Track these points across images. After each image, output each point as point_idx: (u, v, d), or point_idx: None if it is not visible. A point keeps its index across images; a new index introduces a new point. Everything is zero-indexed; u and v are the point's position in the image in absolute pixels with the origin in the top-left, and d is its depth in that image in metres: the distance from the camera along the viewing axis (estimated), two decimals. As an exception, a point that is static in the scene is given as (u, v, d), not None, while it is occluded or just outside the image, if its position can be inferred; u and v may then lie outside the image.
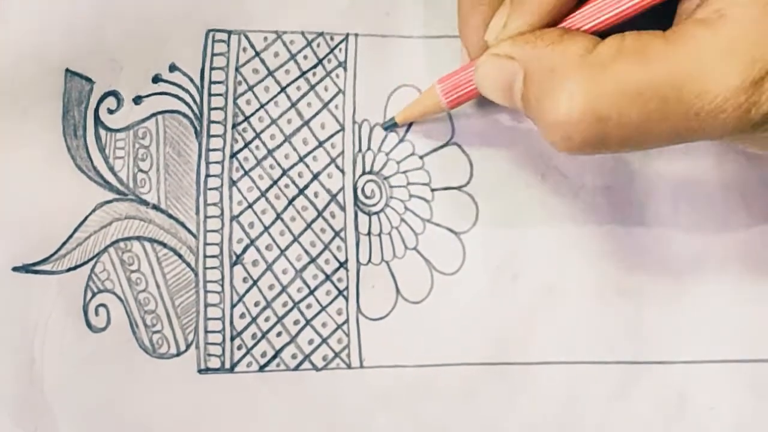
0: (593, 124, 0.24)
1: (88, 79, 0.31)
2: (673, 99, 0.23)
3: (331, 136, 0.33)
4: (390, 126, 0.32)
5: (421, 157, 0.33)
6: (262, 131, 0.32)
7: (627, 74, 0.23)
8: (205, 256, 0.31)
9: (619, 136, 0.24)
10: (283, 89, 0.33)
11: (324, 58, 0.33)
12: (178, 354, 0.30)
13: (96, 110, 0.32)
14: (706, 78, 0.23)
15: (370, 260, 0.32)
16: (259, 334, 0.31)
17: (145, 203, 0.31)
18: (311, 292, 0.32)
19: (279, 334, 0.31)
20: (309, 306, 0.31)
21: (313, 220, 0.32)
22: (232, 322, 0.31)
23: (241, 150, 0.32)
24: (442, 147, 0.33)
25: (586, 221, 0.32)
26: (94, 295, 0.30)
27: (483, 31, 0.28)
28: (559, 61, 0.25)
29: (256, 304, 0.31)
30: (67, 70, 0.31)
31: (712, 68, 0.23)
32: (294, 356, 0.31)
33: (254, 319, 0.31)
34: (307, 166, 0.32)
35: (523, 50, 0.26)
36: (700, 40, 0.23)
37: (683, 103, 0.23)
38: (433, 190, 0.33)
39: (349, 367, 0.31)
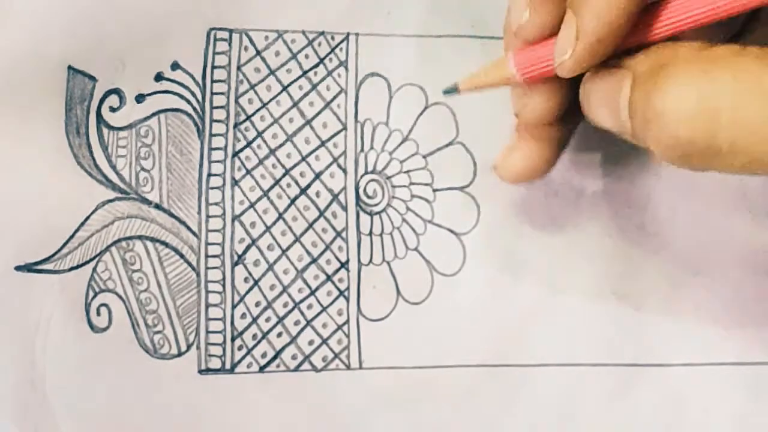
0: (704, 117, 0.21)
1: (91, 77, 0.31)
2: None
3: (334, 135, 0.32)
4: (450, 91, 0.28)
5: (424, 157, 0.32)
6: (264, 130, 0.32)
7: (749, 66, 0.21)
8: (207, 256, 0.31)
9: (731, 139, 0.21)
10: (284, 88, 0.32)
11: (325, 57, 0.32)
12: (179, 354, 0.30)
13: (98, 108, 0.31)
14: None
15: (371, 261, 0.31)
16: (260, 335, 0.31)
17: (148, 202, 0.31)
18: (312, 293, 0.31)
19: (279, 334, 0.31)
20: (310, 306, 0.31)
21: (315, 220, 0.31)
22: (233, 323, 0.31)
23: (243, 149, 0.32)
24: (446, 146, 0.32)
25: (587, 224, 0.32)
26: (95, 294, 0.30)
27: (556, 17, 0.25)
28: (671, 56, 0.22)
29: (257, 304, 0.31)
30: (69, 67, 0.31)
31: None
32: (294, 357, 0.31)
33: (255, 320, 0.31)
34: (309, 166, 0.32)
35: (633, 57, 0.23)
36: None
37: None
38: (435, 190, 0.32)
39: (348, 368, 0.31)
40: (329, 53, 0.32)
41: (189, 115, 0.31)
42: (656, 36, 0.24)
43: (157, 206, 0.31)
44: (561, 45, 0.24)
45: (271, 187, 0.31)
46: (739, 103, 0.21)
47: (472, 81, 0.28)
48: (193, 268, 0.31)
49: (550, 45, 0.25)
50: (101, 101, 0.31)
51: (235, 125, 0.32)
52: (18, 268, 0.29)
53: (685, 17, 0.23)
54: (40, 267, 0.30)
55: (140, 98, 0.31)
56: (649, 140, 0.22)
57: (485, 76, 0.27)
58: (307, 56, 0.32)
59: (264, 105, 0.32)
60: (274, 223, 0.31)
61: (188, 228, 0.31)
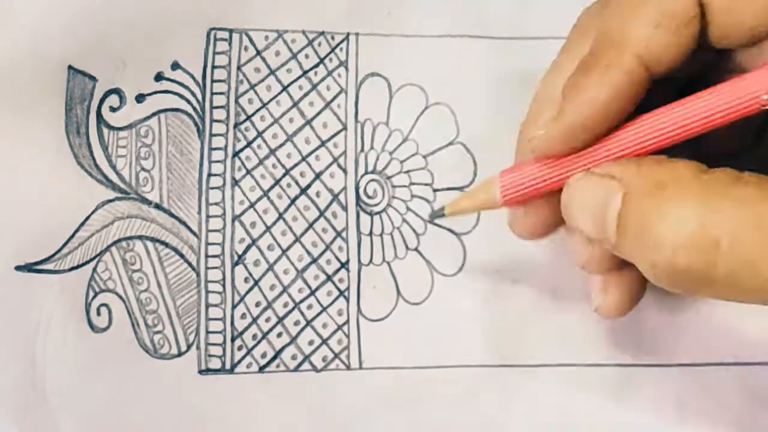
0: (702, 248, 0.20)
1: (91, 77, 0.31)
2: None
3: (334, 135, 0.32)
4: (437, 216, 0.28)
5: (424, 157, 0.32)
6: (264, 130, 0.32)
7: (750, 198, 0.20)
8: (207, 256, 0.31)
9: (728, 270, 0.20)
10: (284, 88, 0.32)
11: (325, 57, 0.32)
12: (179, 354, 0.30)
13: (98, 108, 0.31)
14: None
15: (371, 261, 0.31)
16: (260, 335, 0.30)
17: (148, 202, 0.31)
18: (312, 293, 0.31)
19: (279, 334, 0.30)
20: (310, 306, 0.31)
21: (315, 220, 0.31)
22: (233, 323, 0.30)
23: (243, 149, 0.31)
24: (446, 146, 0.32)
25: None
26: (96, 294, 0.30)
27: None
28: (670, 178, 0.21)
29: (257, 304, 0.31)
30: (69, 67, 0.30)
31: None
32: (294, 357, 0.30)
33: (255, 320, 0.30)
34: (309, 166, 0.32)
35: (624, 169, 0.22)
36: None
37: None
38: (435, 190, 0.32)
39: (348, 368, 0.30)
40: (329, 53, 0.32)
41: (189, 115, 0.31)
42: (646, 146, 0.23)
43: (157, 206, 0.31)
44: (541, 122, 0.24)
45: (272, 187, 0.31)
46: (739, 234, 0.20)
47: (459, 206, 0.28)
48: (193, 268, 0.30)
49: (532, 170, 0.25)
50: (101, 101, 0.31)
51: (236, 125, 0.31)
52: (18, 268, 0.29)
53: (677, 128, 0.23)
54: (40, 267, 0.29)
55: (140, 98, 0.31)
56: (640, 260, 0.22)
57: (470, 200, 0.27)
58: (307, 56, 0.32)
59: (264, 105, 0.32)
60: (275, 223, 0.31)
61: (188, 228, 0.31)
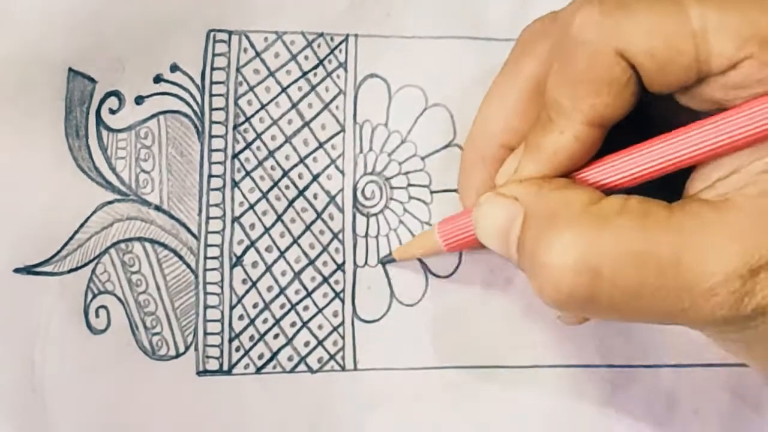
0: (585, 277, 0.21)
1: (91, 79, 0.30)
2: (670, 270, 0.21)
3: (332, 137, 0.31)
4: (387, 261, 0.30)
5: (422, 158, 0.31)
6: (263, 132, 0.31)
7: (628, 233, 0.21)
8: (206, 258, 0.30)
9: (609, 298, 0.22)
10: (283, 90, 0.31)
11: (324, 58, 0.31)
12: (178, 356, 0.29)
13: (98, 110, 0.30)
14: (706, 256, 0.21)
15: (366, 262, 0.31)
16: (257, 336, 0.30)
17: (147, 204, 0.30)
18: (308, 294, 0.30)
19: (276, 336, 0.30)
20: (306, 308, 0.30)
21: (313, 222, 0.31)
22: (230, 324, 0.30)
23: (242, 151, 0.31)
24: (443, 148, 0.31)
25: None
26: (95, 296, 0.29)
27: (482, 188, 0.27)
28: (562, 207, 0.23)
29: (255, 305, 0.30)
30: (69, 69, 0.30)
31: (712, 247, 0.21)
32: (290, 358, 0.30)
33: (252, 321, 0.30)
34: (307, 167, 0.31)
35: (527, 192, 0.24)
36: (704, 219, 0.21)
37: (679, 276, 0.21)
38: (432, 192, 0.31)
39: (343, 369, 0.30)
40: (328, 54, 0.31)
41: (188, 116, 0.31)
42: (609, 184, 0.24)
43: (158, 208, 0.30)
44: (503, 171, 0.26)
45: (270, 189, 0.31)
46: (618, 265, 0.21)
47: (405, 251, 0.30)
48: (192, 270, 0.30)
49: (469, 220, 0.27)
50: (101, 103, 0.30)
51: (235, 127, 0.31)
52: (17, 270, 0.29)
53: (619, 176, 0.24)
54: (39, 269, 0.29)
55: (140, 100, 0.30)
56: (531, 282, 0.23)
57: (415, 247, 0.30)
58: (306, 57, 0.31)
59: (263, 106, 0.31)
60: (273, 224, 0.31)
61: (188, 229, 0.30)
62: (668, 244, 0.21)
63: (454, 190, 0.31)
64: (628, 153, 0.24)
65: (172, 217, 0.30)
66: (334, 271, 0.31)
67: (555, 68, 0.24)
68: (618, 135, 0.24)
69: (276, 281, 0.30)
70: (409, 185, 0.31)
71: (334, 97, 0.31)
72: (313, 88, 0.31)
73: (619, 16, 0.22)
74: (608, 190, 0.24)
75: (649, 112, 0.24)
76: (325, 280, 0.31)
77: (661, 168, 0.23)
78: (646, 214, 0.22)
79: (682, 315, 0.21)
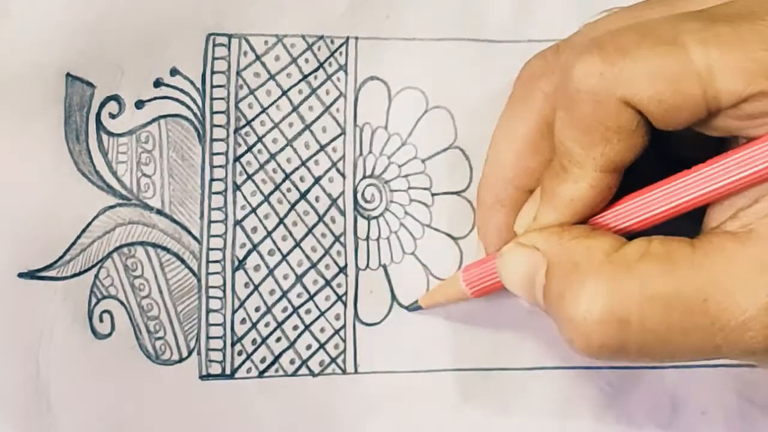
0: (613, 327, 0.21)
1: (90, 84, 0.30)
2: (698, 310, 0.21)
3: (333, 139, 0.31)
4: (414, 309, 0.30)
5: (423, 161, 0.31)
6: (264, 135, 0.31)
7: (652, 277, 0.21)
8: (208, 262, 0.30)
9: (640, 344, 0.21)
10: (284, 93, 0.31)
11: (325, 61, 0.31)
12: (181, 360, 0.29)
13: (98, 115, 0.30)
14: (734, 292, 0.20)
15: (368, 265, 0.31)
16: (259, 340, 0.30)
17: (149, 208, 0.30)
18: (311, 298, 0.30)
19: (278, 339, 0.30)
20: (308, 311, 0.30)
21: (314, 225, 0.31)
22: (233, 328, 0.30)
23: (244, 154, 0.31)
24: (444, 150, 0.31)
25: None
26: (98, 301, 0.29)
27: (503, 231, 0.27)
28: (584, 257, 0.22)
29: (257, 309, 0.30)
30: (68, 74, 0.29)
31: (740, 282, 0.20)
32: (292, 362, 0.30)
33: (254, 325, 0.30)
34: (309, 170, 0.31)
35: (548, 242, 0.24)
36: (728, 253, 0.21)
37: (708, 315, 0.21)
38: (433, 194, 0.31)
39: (344, 372, 0.30)
40: (329, 57, 0.31)
41: (189, 120, 0.30)
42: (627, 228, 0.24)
43: (159, 212, 0.30)
44: (522, 217, 0.26)
45: (272, 192, 0.31)
46: (645, 312, 0.21)
47: (431, 299, 0.30)
48: (194, 274, 0.30)
49: (493, 262, 0.26)
50: (100, 108, 0.30)
51: (236, 130, 0.31)
52: (21, 275, 0.29)
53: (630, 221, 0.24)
54: (42, 274, 0.29)
55: (140, 104, 0.30)
56: (561, 333, 0.23)
57: (441, 294, 0.29)
58: (306, 60, 0.31)
59: (264, 110, 0.31)
60: (275, 228, 0.30)
61: (190, 233, 0.30)
62: (694, 283, 0.21)
63: (455, 193, 0.31)
64: (648, 193, 0.23)
65: (174, 221, 0.30)
66: (336, 274, 0.30)
67: (560, 116, 0.23)
68: (634, 170, 0.24)
69: (278, 284, 0.30)
70: (410, 188, 0.31)
71: (335, 100, 0.31)
72: (313, 90, 0.31)
73: (620, 63, 0.21)
74: (630, 232, 0.24)
75: (666, 138, 0.23)
76: (327, 283, 0.30)
77: (681, 207, 0.23)
78: (669, 255, 0.21)
79: (716, 351, 0.21)
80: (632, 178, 0.24)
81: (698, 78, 0.21)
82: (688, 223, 0.23)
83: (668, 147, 0.24)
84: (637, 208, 0.24)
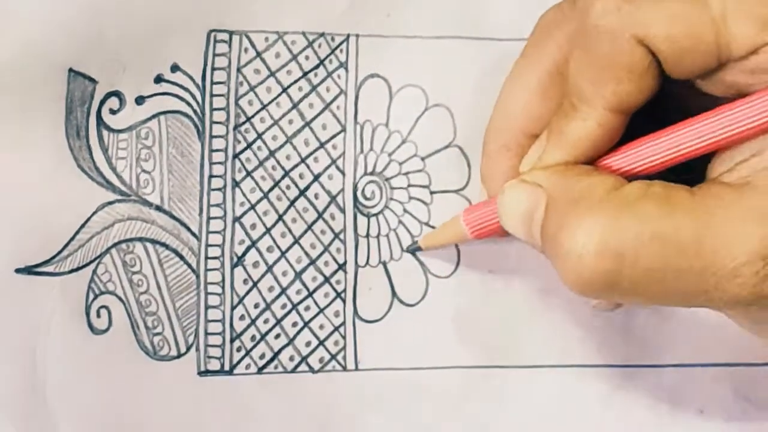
0: (607, 260, 0.21)
1: (91, 79, 0.30)
2: (693, 252, 0.21)
3: (333, 137, 0.31)
4: (414, 250, 0.30)
5: (422, 159, 0.31)
6: (264, 132, 0.31)
7: (650, 217, 0.21)
8: (207, 258, 0.30)
9: (632, 281, 0.22)
10: (284, 90, 0.31)
11: (325, 58, 0.31)
12: (179, 356, 0.29)
13: (98, 111, 0.30)
14: (728, 237, 0.21)
15: (367, 262, 0.31)
16: (258, 336, 0.30)
17: (148, 204, 0.30)
18: (310, 294, 0.30)
19: (277, 336, 0.30)
20: (307, 308, 0.30)
21: (314, 222, 0.31)
22: (231, 324, 0.30)
23: (243, 151, 0.30)
24: (443, 149, 0.31)
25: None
26: (96, 296, 0.29)
27: (507, 175, 0.27)
28: (584, 193, 0.23)
29: (256, 305, 0.30)
30: (69, 70, 0.29)
31: (734, 229, 0.21)
32: (291, 358, 0.30)
33: (254, 321, 0.30)
34: (308, 167, 0.31)
35: (550, 179, 0.24)
36: (725, 202, 0.21)
37: (701, 258, 0.21)
38: (432, 192, 0.31)
39: (344, 369, 0.30)
40: (329, 54, 0.31)
41: (189, 116, 0.30)
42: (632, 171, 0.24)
43: (158, 208, 0.30)
44: (527, 158, 0.26)
45: (271, 189, 0.30)
46: (640, 249, 0.21)
47: (432, 239, 0.30)
48: (193, 270, 0.30)
49: (495, 203, 0.26)
50: (101, 103, 0.30)
51: (235, 127, 0.30)
52: (18, 271, 0.29)
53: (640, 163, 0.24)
54: (40, 269, 0.29)
55: (140, 100, 0.30)
56: (555, 267, 0.23)
57: (442, 235, 0.30)
58: (307, 57, 0.31)
59: (264, 106, 0.31)
60: (274, 224, 0.30)
61: (189, 230, 0.30)
62: (690, 226, 0.21)
63: (454, 191, 0.31)
64: (651, 139, 0.24)
65: (173, 217, 0.30)
66: (336, 271, 0.30)
67: (576, 55, 0.23)
68: (639, 122, 0.24)
69: (277, 281, 0.30)
70: (409, 185, 0.31)
71: (335, 97, 0.31)
72: (314, 88, 0.31)
73: (638, 3, 0.22)
74: (631, 177, 0.24)
75: (669, 99, 0.24)
76: (327, 280, 0.30)
77: (683, 154, 0.23)
78: (668, 198, 0.22)
79: (704, 296, 0.21)
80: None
81: (712, 23, 0.21)
82: (688, 178, 0.23)
83: (671, 121, 0.24)
84: (640, 153, 0.24)
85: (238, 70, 0.30)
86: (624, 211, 0.22)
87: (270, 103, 0.31)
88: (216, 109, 0.30)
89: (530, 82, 0.27)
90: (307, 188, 0.31)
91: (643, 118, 0.24)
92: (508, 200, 0.25)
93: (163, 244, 0.30)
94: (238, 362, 0.30)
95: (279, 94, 0.31)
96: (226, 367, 0.29)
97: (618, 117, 0.23)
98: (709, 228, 0.21)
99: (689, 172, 0.24)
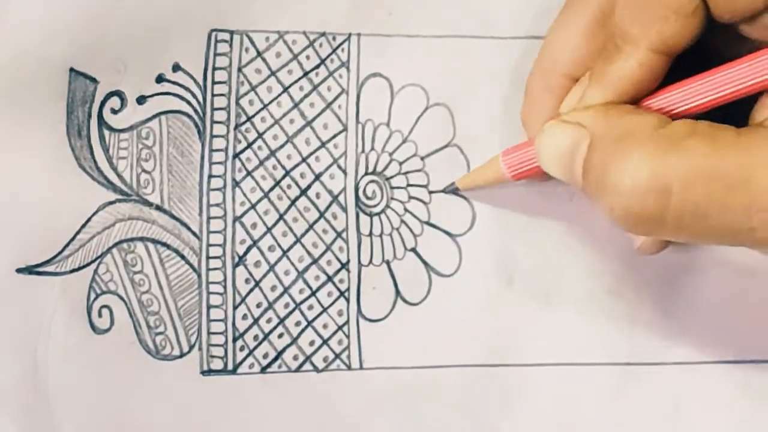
0: (656, 194, 0.22)
1: (93, 79, 0.29)
2: (740, 189, 0.21)
3: (334, 136, 0.31)
4: (451, 191, 0.30)
5: (422, 158, 0.31)
6: (265, 131, 0.30)
7: (698, 153, 0.22)
8: (208, 257, 0.30)
9: (678, 216, 0.22)
10: (285, 89, 0.31)
11: (326, 58, 0.31)
12: (181, 355, 0.29)
13: (100, 110, 0.30)
14: None
15: (371, 261, 0.30)
16: (261, 336, 0.30)
17: (149, 204, 0.30)
18: (313, 293, 0.30)
19: (281, 335, 0.30)
20: (310, 307, 0.30)
21: (315, 221, 0.30)
22: (234, 324, 0.29)
23: (243, 150, 0.30)
24: (442, 148, 0.31)
25: (581, 224, 0.30)
26: (97, 296, 0.29)
27: (548, 116, 0.27)
28: (630, 130, 0.23)
29: (258, 305, 0.30)
30: (71, 69, 0.29)
31: None
32: (295, 357, 0.30)
33: (256, 321, 0.30)
34: (310, 167, 0.31)
35: (593, 117, 0.24)
36: None
37: (749, 194, 0.21)
38: (431, 192, 0.31)
39: (349, 368, 0.30)
40: (330, 54, 0.31)
41: (190, 116, 0.30)
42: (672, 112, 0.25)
43: (158, 208, 0.30)
44: (568, 100, 0.26)
45: (272, 188, 0.30)
46: (687, 183, 0.22)
47: (469, 180, 0.30)
48: (195, 270, 0.29)
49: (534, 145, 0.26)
50: (102, 103, 0.30)
51: (236, 126, 0.30)
52: (19, 270, 0.28)
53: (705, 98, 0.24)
54: (41, 269, 0.29)
55: (141, 100, 0.30)
56: (600, 204, 0.23)
57: (480, 176, 0.30)
58: (308, 57, 0.31)
59: (265, 106, 0.31)
60: (275, 224, 0.30)
61: (189, 229, 0.30)
62: (738, 164, 0.21)
63: (453, 192, 0.31)
64: (695, 81, 0.24)
65: (173, 217, 0.30)
66: (339, 270, 0.30)
67: None
68: (681, 69, 0.24)
69: (279, 280, 0.30)
70: (409, 185, 0.31)
71: (337, 97, 0.31)
72: (315, 87, 0.31)
73: None
74: (674, 118, 0.24)
75: (712, 46, 0.24)
76: (330, 279, 0.30)
77: (728, 95, 0.23)
78: (715, 136, 0.22)
79: (749, 234, 0.22)
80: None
81: None
82: (731, 124, 0.23)
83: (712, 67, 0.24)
84: (682, 94, 0.24)
85: (239, 69, 0.30)
86: (672, 147, 0.22)
87: (271, 102, 0.31)
88: (217, 109, 0.30)
89: (577, 25, 0.26)
90: (308, 187, 0.30)
91: (684, 65, 0.24)
92: (548, 139, 0.25)
93: (165, 244, 0.29)
94: (242, 361, 0.29)
95: (280, 94, 0.31)
96: (230, 367, 0.29)
97: (661, 58, 0.24)
98: (756, 166, 0.21)
99: (730, 118, 0.24)
